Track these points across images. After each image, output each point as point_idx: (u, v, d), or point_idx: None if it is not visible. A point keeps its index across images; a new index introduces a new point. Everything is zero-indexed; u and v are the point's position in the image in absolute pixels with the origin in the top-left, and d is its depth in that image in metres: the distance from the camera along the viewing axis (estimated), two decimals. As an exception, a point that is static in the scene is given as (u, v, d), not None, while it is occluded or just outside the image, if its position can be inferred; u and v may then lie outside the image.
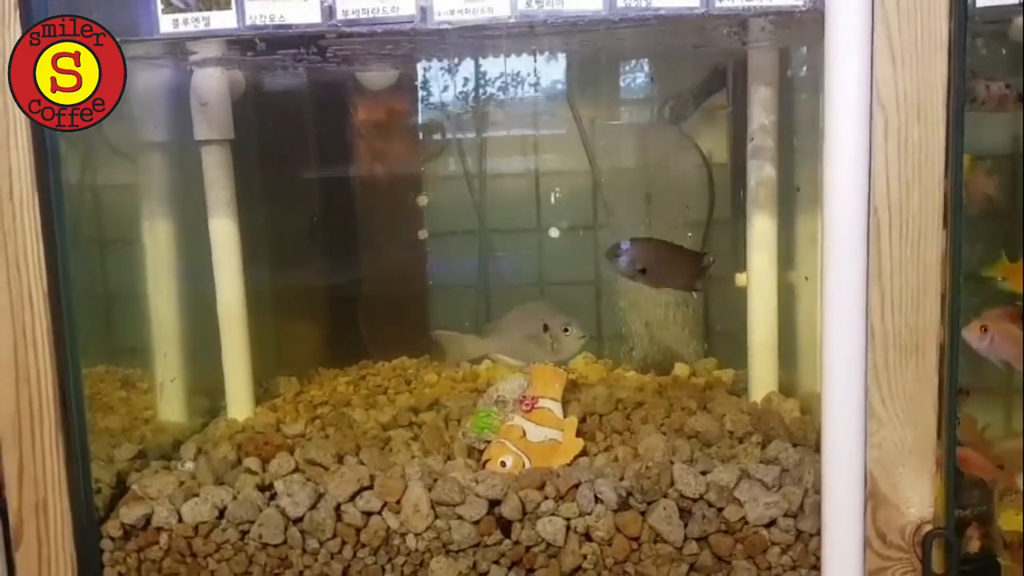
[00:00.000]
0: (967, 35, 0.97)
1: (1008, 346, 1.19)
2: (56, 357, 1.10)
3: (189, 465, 1.32)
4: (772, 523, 1.12)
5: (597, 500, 1.14)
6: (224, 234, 1.50)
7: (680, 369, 1.74)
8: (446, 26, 1.07)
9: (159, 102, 1.49)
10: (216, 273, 1.51)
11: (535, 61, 1.72)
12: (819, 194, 1.01)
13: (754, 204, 1.46)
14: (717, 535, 1.13)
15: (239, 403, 1.56)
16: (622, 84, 1.83)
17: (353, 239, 1.86)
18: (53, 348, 1.09)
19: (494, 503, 1.14)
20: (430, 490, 1.15)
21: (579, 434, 1.34)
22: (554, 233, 1.77)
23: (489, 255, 1.88)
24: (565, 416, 1.38)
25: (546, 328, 1.50)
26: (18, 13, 1.03)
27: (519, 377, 1.47)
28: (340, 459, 1.30)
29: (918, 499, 1.02)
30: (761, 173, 1.45)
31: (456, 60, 1.74)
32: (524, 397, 1.39)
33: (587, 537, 1.13)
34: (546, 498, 1.14)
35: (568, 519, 1.13)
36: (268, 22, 1.07)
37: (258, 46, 1.22)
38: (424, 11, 1.06)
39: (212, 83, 1.46)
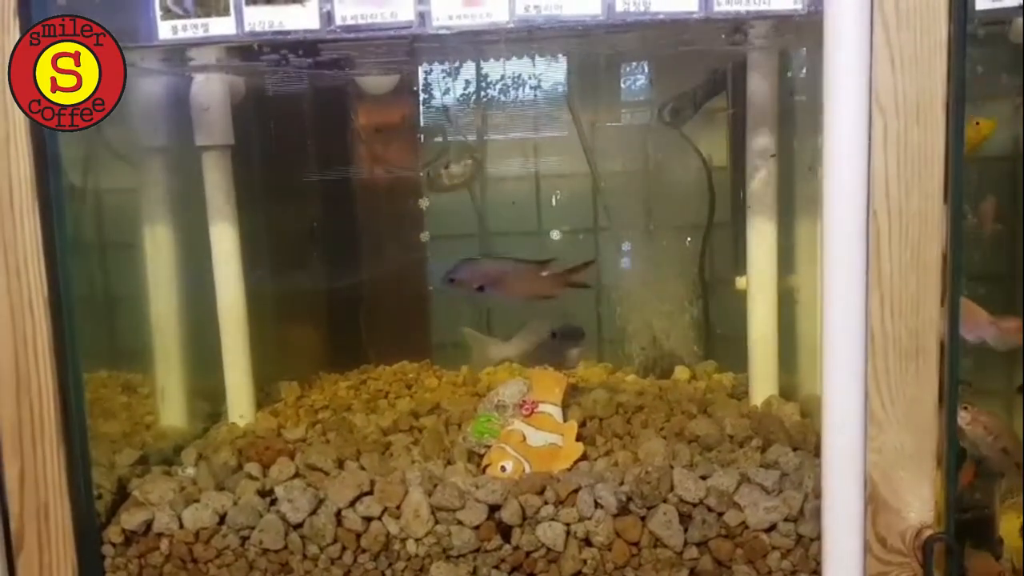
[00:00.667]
0: (966, 38, 0.97)
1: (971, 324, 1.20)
2: (57, 363, 1.10)
3: (190, 470, 1.32)
4: (772, 527, 1.12)
5: (597, 505, 1.13)
6: (224, 239, 1.50)
7: (680, 372, 1.74)
8: (444, 31, 1.07)
9: (159, 107, 1.49)
10: (217, 278, 1.52)
11: (534, 65, 1.72)
12: (819, 197, 1.01)
13: (754, 207, 1.46)
14: (717, 540, 1.12)
15: (240, 408, 1.56)
16: (622, 87, 1.83)
17: (353, 243, 1.86)
18: (54, 354, 1.10)
19: (494, 508, 1.14)
20: (430, 495, 1.15)
21: (579, 438, 1.33)
22: (555, 235, 1.77)
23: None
24: (565, 420, 1.38)
25: (554, 335, 1.50)
26: (18, 13, 1.03)
27: (519, 381, 1.47)
28: (341, 464, 1.30)
29: (918, 503, 1.02)
30: (761, 176, 1.45)
31: (456, 63, 1.74)
32: (524, 401, 1.38)
33: (587, 542, 1.13)
34: (546, 503, 1.14)
35: (568, 524, 1.13)
36: (267, 28, 1.08)
37: (259, 51, 1.22)
38: (422, 17, 1.06)
39: (212, 88, 1.46)
